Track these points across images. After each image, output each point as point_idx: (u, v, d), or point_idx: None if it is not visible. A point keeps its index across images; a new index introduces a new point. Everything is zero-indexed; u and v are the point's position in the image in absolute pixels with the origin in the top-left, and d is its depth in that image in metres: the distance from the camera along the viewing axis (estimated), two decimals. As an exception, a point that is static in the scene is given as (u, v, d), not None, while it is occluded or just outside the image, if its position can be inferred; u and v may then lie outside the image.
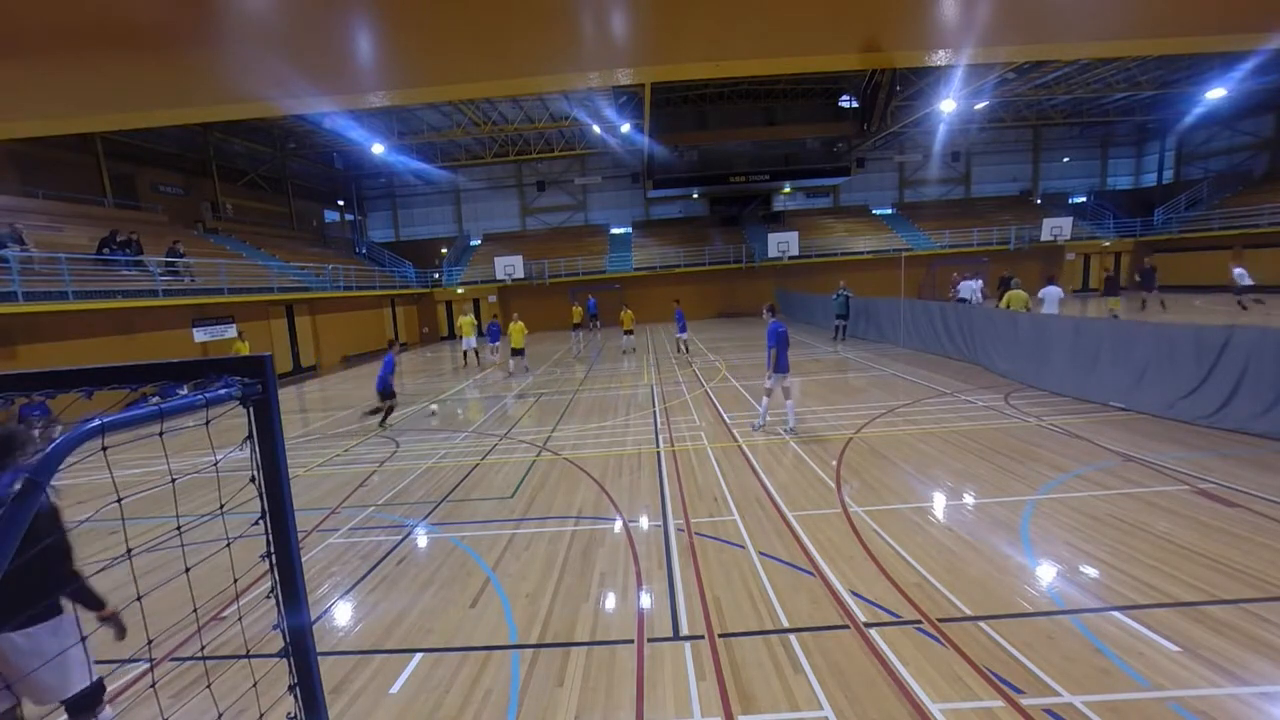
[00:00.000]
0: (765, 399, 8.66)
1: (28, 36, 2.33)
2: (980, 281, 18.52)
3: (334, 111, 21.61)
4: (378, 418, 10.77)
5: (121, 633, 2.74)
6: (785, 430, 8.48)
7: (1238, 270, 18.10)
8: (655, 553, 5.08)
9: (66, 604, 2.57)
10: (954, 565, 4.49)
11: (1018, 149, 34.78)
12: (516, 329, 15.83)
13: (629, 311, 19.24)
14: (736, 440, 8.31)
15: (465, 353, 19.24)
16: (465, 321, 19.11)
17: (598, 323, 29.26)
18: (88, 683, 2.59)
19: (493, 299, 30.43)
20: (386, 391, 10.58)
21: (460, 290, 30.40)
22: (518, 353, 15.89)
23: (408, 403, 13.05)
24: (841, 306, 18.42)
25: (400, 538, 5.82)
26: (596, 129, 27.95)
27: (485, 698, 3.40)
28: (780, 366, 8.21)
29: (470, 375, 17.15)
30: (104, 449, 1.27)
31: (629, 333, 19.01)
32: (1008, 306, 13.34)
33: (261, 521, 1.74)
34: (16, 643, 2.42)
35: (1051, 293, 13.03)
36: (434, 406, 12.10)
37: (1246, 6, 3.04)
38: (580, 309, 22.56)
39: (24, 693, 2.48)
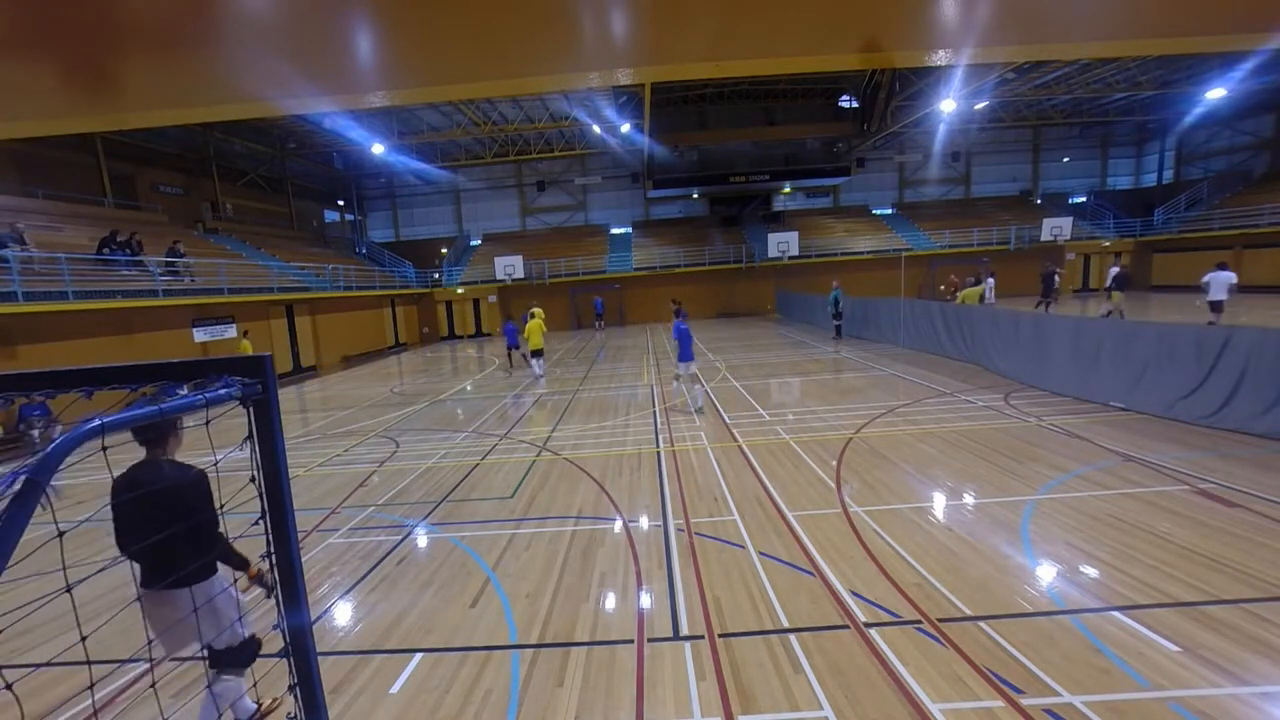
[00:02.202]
0: (675, 383, 10.49)
1: (28, 36, 2.33)
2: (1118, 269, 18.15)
3: (334, 111, 21.61)
4: (511, 362, 17.51)
5: (270, 590, 2.94)
6: (693, 410, 10.07)
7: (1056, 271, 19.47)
8: (655, 553, 5.08)
9: (220, 569, 2.93)
10: (954, 565, 4.49)
11: (1018, 149, 34.78)
12: (533, 326, 14.94)
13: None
14: (736, 440, 8.31)
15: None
16: (537, 313, 18.30)
17: (601, 322, 29.39)
18: (241, 636, 2.97)
19: (493, 299, 30.44)
20: (514, 345, 17.18)
21: (460, 290, 30.42)
22: (536, 354, 14.96)
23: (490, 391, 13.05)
24: (834, 305, 18.60)
25: (400, 538, 5.82)
26: (596, 129, 27.96)
27: (485, 698, 3.41)
28: (684, 356, 10.13)
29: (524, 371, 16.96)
30: (104, 449, 1.27)
31: None
32: (963, 303, 13.75)
33: (261, 521, 1.74)
34: (184, 599, 2.74)
35: (1220, 278, 12.96)
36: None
37: (1246, 6, 3.04)
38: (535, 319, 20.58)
39: (189, 640, 2.86)
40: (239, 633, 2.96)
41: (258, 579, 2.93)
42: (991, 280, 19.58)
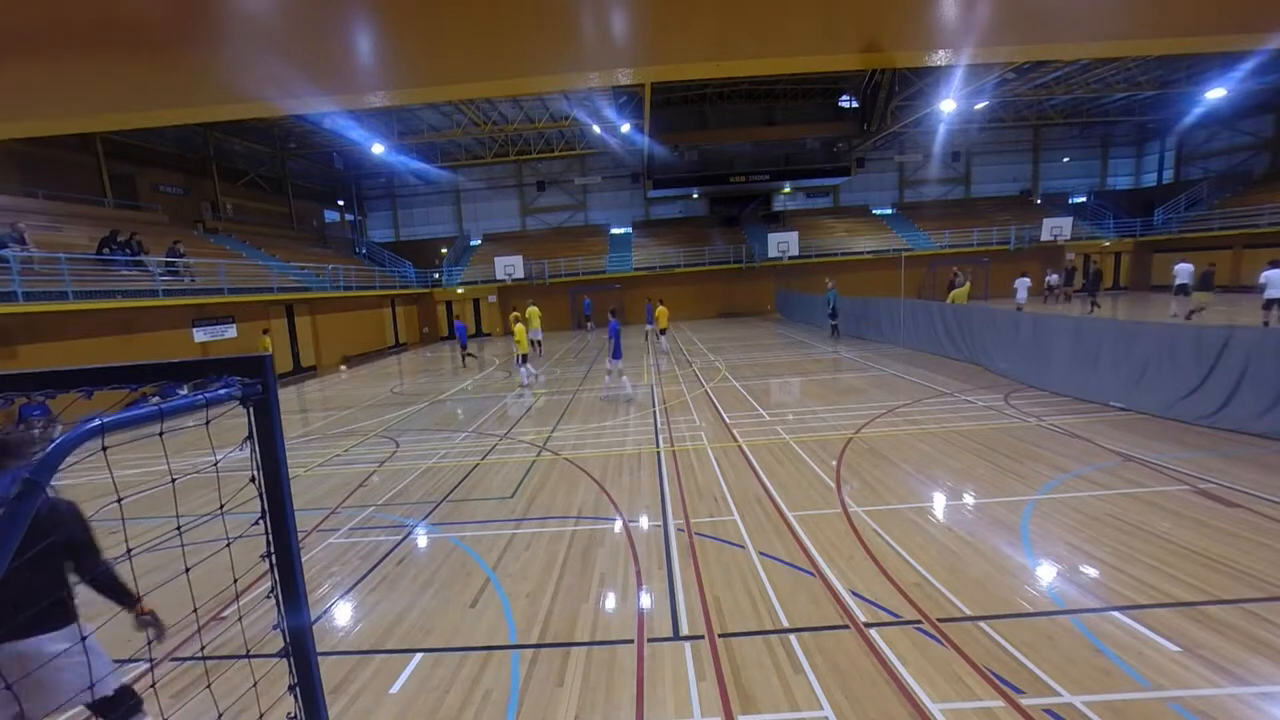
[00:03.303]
0: (609, 377, 12.30)
1: (28, 36, 2.33)
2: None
3: (334, 111, 21.62)
4: (468, 358, 19.27)
5: (160, 633, 2.66)
6: (624, 398, 11.68)
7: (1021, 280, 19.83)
8: (655, 553, 5.08)
9: (79, 615, 2.49)
10: (954, 565, 4.49)
11: (1018, 149, 34.77)
12: (520, 330, 14.31)
13: (663, 308, 17.65)
14: (736, 440, 8.31)
15: (535, 343, 19.48)
16: (533, 313, 19.09)
17: (590, 324, 29.35)
18: (108, 692, 2.54)
19: (493, 299, 30.43)
20: (464, 344, 19.28)
21: (460, 290, 30.41)
22: (528, 352, 14.22)
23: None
24: (830, 305, 18.85)
25: (400, 538, 5.82)
26: (596, 129, 27.94)
27: (485, 698, 3.40)
28: (615, 354, 11.88)
29: (540, 361, 18.11)
30: (104, 449, 1.27)
31: (663, 331, 17.56)
32: (953, 302, 14.36)
33: (261, 521, 1.74)
34: (21, 650, 2.31)
35: (1275, 276, 13.05)
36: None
37: (1246, 6, 3.04)
38: (536, 310, 19.85)
39: (36, 706, 2.34)
40: (115, 683, 2.59)
41: (148, 617, 2.62)
42: (1026, 280, 19.35)
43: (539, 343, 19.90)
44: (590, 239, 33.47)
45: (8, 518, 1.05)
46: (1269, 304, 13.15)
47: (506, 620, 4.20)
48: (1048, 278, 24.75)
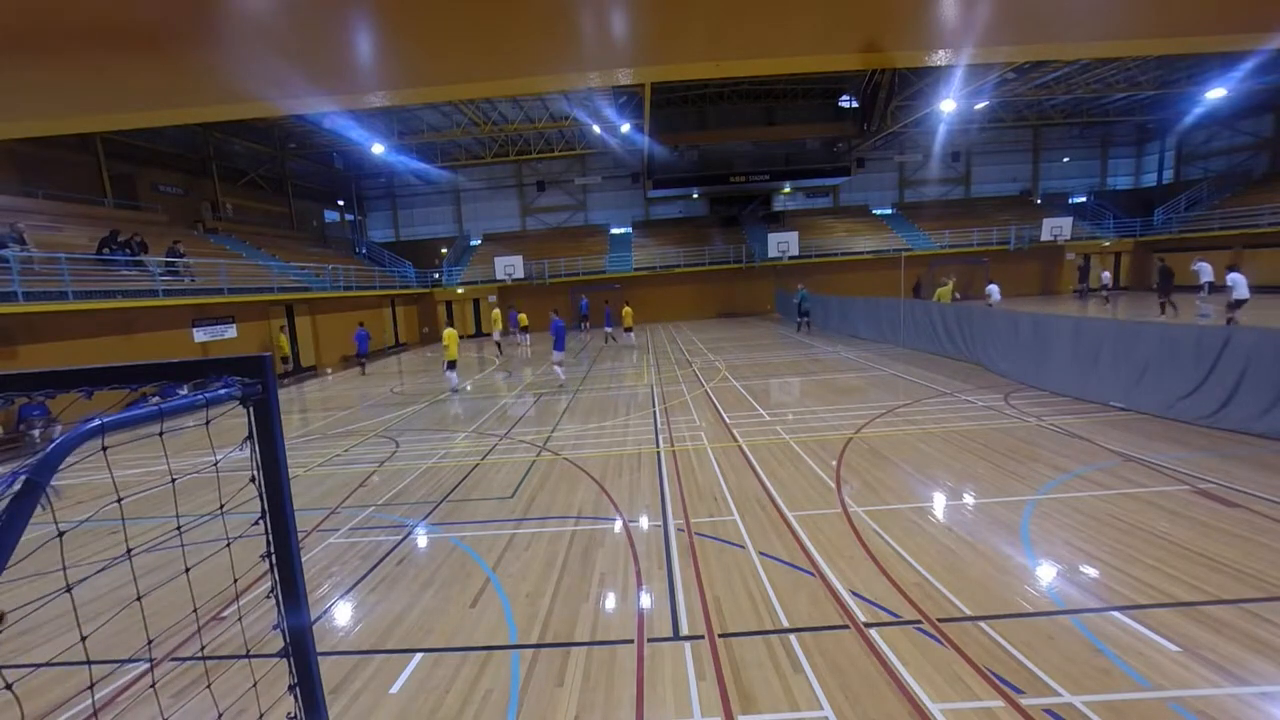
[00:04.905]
0: (557, 368, 14.10)
1: (28, 36, 2.33)
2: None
3: (334, 111, 21.65)
4: (366, 366, 19.41)
5: None
6: (558, 384, 13.65)
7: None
8: (655, 553, 5.08)
9: None
10: (954, 565, 4.49)
11: (1018, 149, 34.76)
12: (449, 335, 13.95)
13: (629, 309, 20.49)
14: (736, 440, 8.31)
15: (497, 343, 22.12)
16: (495, 314, 21.83)
17: (586, 323, 29.32)
18: None
19: (492, 299, 30.43)
20: (361, 352, 19.40)
21: (460, 290, 30.40)
22: (455, 359, 13.80)
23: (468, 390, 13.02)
24: (800, 304, 20.17)
25: (400, 538, 5.82)
26: (596, 129, 27.94)
27: (485, 698, 3.40)
28: (558, 347, 13.84)
29: (508, 362, 19.55)
30: (104, 449, 1.27)
31: (629, 330, 20.01)
32: (938, 300, 15.14)
33: (261, 521, 1.74)
34: None
35: (1238, 278, 13.68)
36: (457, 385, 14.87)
37: (1246, 6, 3.03)
38: (499, 313, 22.12)
39: None
40: None
41: None
42: (995, 286, 19.21)
43: (500, 343, 21.88)
44: (590, 239, 33.47)
45: (8, 518, 1.05)
46: (1236, 304, 13.61)
47: (506, 620, 4.20)
48: (1103, 275, 24.06)
